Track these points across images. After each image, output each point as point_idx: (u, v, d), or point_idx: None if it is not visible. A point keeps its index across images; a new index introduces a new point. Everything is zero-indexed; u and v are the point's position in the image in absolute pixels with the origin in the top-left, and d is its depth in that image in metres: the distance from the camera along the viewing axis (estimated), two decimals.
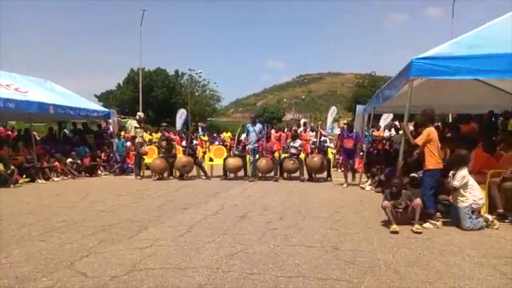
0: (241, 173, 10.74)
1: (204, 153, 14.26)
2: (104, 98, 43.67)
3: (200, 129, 24.36)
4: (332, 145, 14.07)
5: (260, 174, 10.44)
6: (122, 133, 14.33)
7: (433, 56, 5.36)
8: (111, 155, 12.74)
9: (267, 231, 4.67)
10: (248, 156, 10.59)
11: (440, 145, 5.44)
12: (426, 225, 4.83)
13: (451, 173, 5.06)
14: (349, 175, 9.51)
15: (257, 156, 10.41)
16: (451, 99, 9.11)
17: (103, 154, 12.77)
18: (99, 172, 12.08)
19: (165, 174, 10.99)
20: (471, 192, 4.87)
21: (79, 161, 11.65)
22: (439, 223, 4.96)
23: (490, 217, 4.92)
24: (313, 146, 11.48)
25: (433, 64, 5.29)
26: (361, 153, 10.35)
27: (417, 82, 6.19)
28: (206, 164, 11.66)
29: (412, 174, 5.78)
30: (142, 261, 3.55)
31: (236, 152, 10.77)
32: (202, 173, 11.05)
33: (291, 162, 10.26)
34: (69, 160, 11.38)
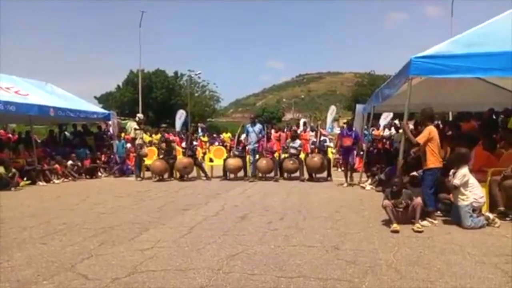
0: (241, 173, 10.74)
1: (204, 153, 14.28)
2: (103, 99, 43.73)
3: (199, 130, 24.38)
4: (332, 144, 14.07)
5: (260, 175, 10.45)
6: (122, 134, 14.34)
7: (432, 55, 5.36)
8: (111, 156, 12.74)
9: (267, 232, 4.67)
10: (248, 157, 10.60)
11: (440, 144, 5.44)
12: (424, 223, 4.84)
13: (451, 171, 5.06)
14: (349, 174, 9.50)
15: (257, 156, 10.42)
16: (451, 97, 9.12)
17: (103, 156, 12.78)
18: (99, 174, 12.09)
19: (165, 176, 10.98)
20: (472, 191, 4.87)
21: (79, 163, 11.66)
22: (436, 221, 4.97)
23: (491, 216, 4.92)
24: (313, 146, 11.48)
25: (433, 62, 5.29)
26: (361, 152, 10.34)
27: (417, 80, 6.19)
28: (206, 165, 11.66)
29: (413, 173, 5.78)
30: (143, 263, 3.55)
31: (236, 153, 10.78)
32: (202, 174, 11.05)
33: (291, 162, 10.25)
34: (70, 162, 11.38)
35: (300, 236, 4.47)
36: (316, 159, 10.07)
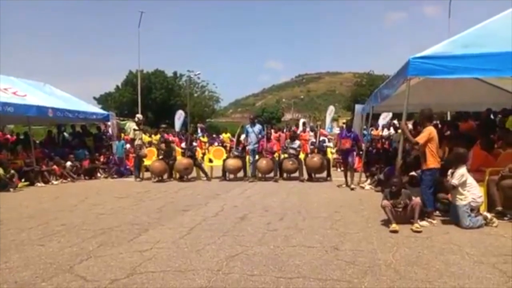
0: (240, 174, 10.74)
1: (204, 154, 14.26)
2: (103, 100, 43.63)
3: (199, 130, 24.39)
4: (331, 144, 14.08)
5: (260, 175, 10.45)
6: (122, 135, 14.33)
7: (430, 56, 5.37)
8: (110, 157, 12.73)
9: (267, 232, 4.67)
10: (248, 157, 10.59)
11: (439, 143, 5.44)
12: (423, 223, 4.84)
13: (449, 171, 5.07)
14: (348, 174, 9.48)
15: (257, 156, 10.42)
16: (449, 98, 9.14)
17: (102, 157, 12.76)
18: (98, 174, 12.07)
19: (165, 176, 10.98)
20: (470, 190, 4.88)
21: (78, 164, 11.64)
22: (435, 221, 4.98)
23: (489, 215, 4.92)
24: (312, 146, 11.48)
25: (431, 63, 5.31)
26: (361, 152, 10.35)
27: (415, 80, 6.20)
28: (206, 165, 11.65)
29: (411, 173, 5.79)
30: (142, 264, 3.55)
31: (236, 153, 10.77)
32: (202, 175, 11.05)
33: (290, 162, 10.25)
34: (68, 163, 11.37)
35: (299, 236, 4.47)
36: (315, 159, 10.08)
